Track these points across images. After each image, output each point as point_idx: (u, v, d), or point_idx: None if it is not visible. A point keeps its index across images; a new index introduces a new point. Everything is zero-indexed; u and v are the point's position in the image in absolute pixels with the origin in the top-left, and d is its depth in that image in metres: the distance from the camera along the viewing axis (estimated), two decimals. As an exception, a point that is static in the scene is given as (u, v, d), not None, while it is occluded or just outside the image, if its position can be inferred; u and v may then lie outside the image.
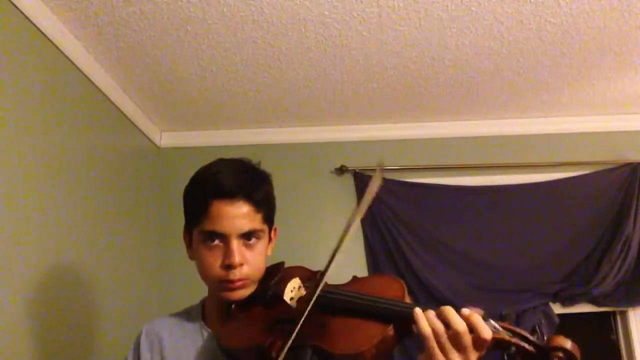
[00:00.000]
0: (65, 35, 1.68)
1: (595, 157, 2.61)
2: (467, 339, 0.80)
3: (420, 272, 2.38)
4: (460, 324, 0.81)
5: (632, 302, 2.46)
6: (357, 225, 0.91)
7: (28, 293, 1.44)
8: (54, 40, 1.62)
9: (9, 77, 1.41)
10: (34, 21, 1.52)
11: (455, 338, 0.80)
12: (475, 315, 0.82)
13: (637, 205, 2.48)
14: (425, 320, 0.83)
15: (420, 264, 2.40)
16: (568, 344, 0.80)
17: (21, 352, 1.40)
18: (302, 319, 0.86)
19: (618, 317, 2.57)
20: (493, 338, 0.81)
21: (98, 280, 1.87)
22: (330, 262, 0.90)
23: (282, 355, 0.83)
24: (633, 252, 2.43)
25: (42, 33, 1.57)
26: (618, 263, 2.40)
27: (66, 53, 1.70)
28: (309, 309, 0.87)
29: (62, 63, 1.70)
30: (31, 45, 1.53)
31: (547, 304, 2.40)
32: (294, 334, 0.85)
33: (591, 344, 2.65)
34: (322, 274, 0.91)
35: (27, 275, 1.44)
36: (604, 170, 2.57)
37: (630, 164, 2.56)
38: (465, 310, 0.83)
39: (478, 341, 0.80)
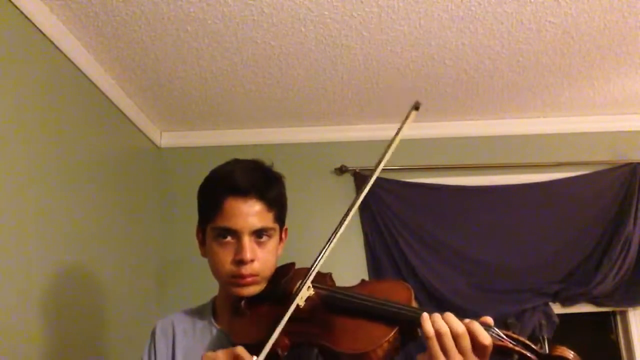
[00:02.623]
0: (65, 35, 1.68)
1: (595, 157, 2.61)
2: (467, 342, 0.82)
3: (421, 272, 2.39)
4: (459, 327, 0.83)
5: (632, 302, 2.46)
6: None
7: (28, 292, 1.44)
8: (54, 40, 1.62)
9: (9, 77, 1.41)
10: (34, 21, 1.52)
11: (455, 340, 0.83)
12: (475, 323, 0.85)
13: (637, 205, 2.48)
14: (430, 321, 0.85)
15: (421, 264, 2.41)
16: (570, 354, 0.81)
17: (26, 349, 1.40)
18: (291, 309, 0.87)
19: (618, 317, 2.57)
20: (497, 345, 0.83)
21: (98, 280, 1.87)
22: (324, 248, 0.92)
23: (266, 350, 0.84)
24: (633, 252, 2.43)
25: (42, 33, 1.57)
26: (618, 263, 2.40)
27: (66, 53, 1.70)
28: (296, 300, 0.88)
29: (62, 63, 1.70)
30: (31, 45, 1.53)
31: (547, 304, 2.40)
32: (281, 324, 0.86)
33: (591, 344, 2.65)
34: (314, 264, 0.92)
35: (26, 275, 1.44)
36: (604, 170, 2.57)
37: (630, 164, 2.56)
38: (467, 320, 0.86)
39: (478, 347, 0.83)
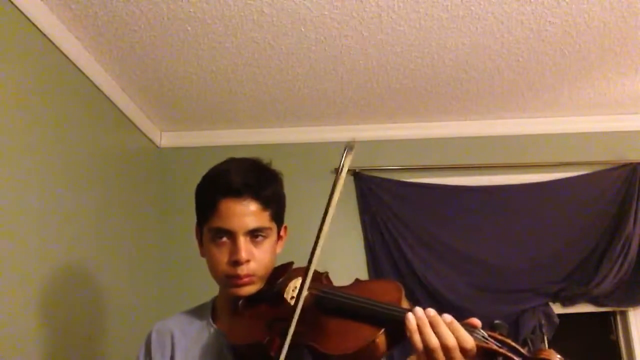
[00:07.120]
0: (65, 35, 1.68)
1: (595, 157, 2.61)
2: (457, 354, 0.80)
3: (420, 272, 2.38)
4: (450, 339, 0.80)
5: (632, 302, 2.46)
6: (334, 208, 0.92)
7: (27, 292, 1.44)
8: (54, 40, 1.62)
9: (9, 77, 1.41)
10: (34, 21, 1.52)
11: (445, 352, 0.80)
12: (456, 324, 0.82)
13: (637, 205, 2.48)
14: (419, 334, 0.82)
15: (420, 264, 2.40)
16: (557, 358, 0.79)
17: (26, 349, 1.40)
18: (295, 317, 0.86)
19: (618, 317, 2.57)
20: (481, 347, 0.81)
21: (98, 280, 1.87)
22: (312, 253, 0.91)
23: (283, 354, 0.84)
24: (633, 252, 2.43)
25: (42, 33, 1.57)
26: (618, 263, 2.40)
27: (66, 53, 1.70)
28: (299, 307, 0.87)
29: (62, 63, 1.70)
30: (31, 45, 1.53)
31: (547, 304, 2.40)
32: (290, 333, 0.85)
33: (591, 344, 2.65)
34: (308, 268, 0.91)
35: (26, 275, 1.44)
36: (604, 170, 2.58)
37: (630, 164, 2.57)
38: (447, 317, 0.83)
39: (461, 351, 0.81)
